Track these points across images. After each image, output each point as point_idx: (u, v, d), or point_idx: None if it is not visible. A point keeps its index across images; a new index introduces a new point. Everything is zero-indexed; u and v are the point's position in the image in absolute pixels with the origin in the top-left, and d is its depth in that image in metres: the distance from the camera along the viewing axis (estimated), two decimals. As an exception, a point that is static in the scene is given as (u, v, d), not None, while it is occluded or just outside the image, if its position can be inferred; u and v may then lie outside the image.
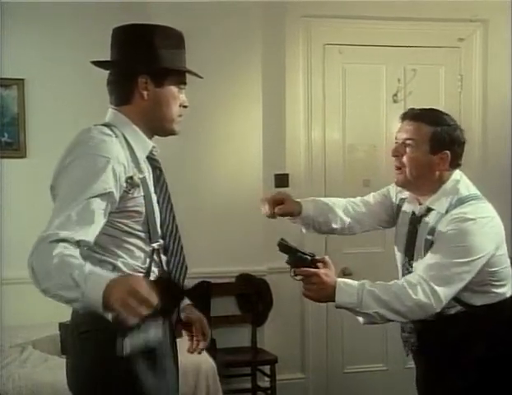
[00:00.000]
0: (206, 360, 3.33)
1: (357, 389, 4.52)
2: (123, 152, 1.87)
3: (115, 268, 1.85)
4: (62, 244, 1.66)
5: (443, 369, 2.27)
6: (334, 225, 2.48)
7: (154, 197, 1.94)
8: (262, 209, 2.44)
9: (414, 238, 2.29)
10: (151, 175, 1.96)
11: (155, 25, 2.00)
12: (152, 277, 1.92)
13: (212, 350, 3.76)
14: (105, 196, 1.78)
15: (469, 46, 4.65)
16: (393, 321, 2.15)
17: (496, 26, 4.62)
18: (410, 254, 2.32)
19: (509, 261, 2.25)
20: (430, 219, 2.22)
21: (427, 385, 2.38)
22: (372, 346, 4.50)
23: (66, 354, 2.01)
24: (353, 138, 4.57)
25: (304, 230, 2.53)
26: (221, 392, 3.34)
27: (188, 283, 4.26)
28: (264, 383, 4.27)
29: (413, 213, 2.33)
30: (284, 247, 2.16)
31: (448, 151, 2.21)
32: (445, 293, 2.08)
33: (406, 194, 2.39)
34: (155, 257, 1.93)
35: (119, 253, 1.87)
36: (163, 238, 1.96)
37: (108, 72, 2.01)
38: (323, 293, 2.11)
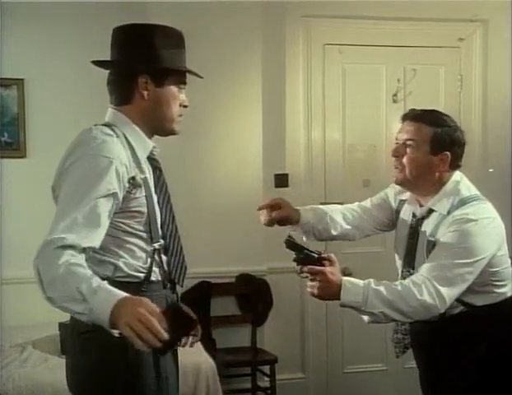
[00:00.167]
0: (206, 360, 3.33)
1: (357, 389, 4.52)
2: (125, 152, 1.86)
3: (117, 268, 1.86)
4: (68, 252, 1.65)
5: (443, 369, 2.27)
6: (334, 232, 2.49)
7: (155, 198, 1.94)
8: (260, 218, 2.44)
9: (415, 240, 2.29)
10: (152, 175, 1.96)
11: (156, 24, 2.00)
12: (153, 277, 1.92)
13: (212, 350, 3.76)
14: (110, 197, 1.78)
15: (469, 46, 4.66)
16: (397, 321, 2.15)
17: (496, 26, 4.62)
18: (410, 258, 2.31)
19: (509, 261, 2.25)
20: (431, 220, 2.22)
21: (428, 385, 2.39)
22: (372, 346, 4.50)
23: (65, 354, 2.00)
24: (353, 138, 4.57)
25: (304, 238, 2.53)
26: (220, 392, 3.34)
27: (188, 283, 4.31)
28: (264, 383, 4.27)
29: (414, 215, 2.33)
30: (291, 244, 2.17)
31: (448, 152, 2.21)
32: (449, 294, 2.08)
33: (406, 195, 2.38)
34: (155, 257, 1.93)
35: (121, 253, 1.87)
36: (163, 238, 1.96)
37: (108, 71, 2.01)
38: (329, 291, 2.10)
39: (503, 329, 2.21)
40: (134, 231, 1.88)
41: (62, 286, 1.60)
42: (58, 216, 1.72)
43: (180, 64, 1.99)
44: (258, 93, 4.30)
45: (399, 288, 2.09)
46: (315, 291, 2.12)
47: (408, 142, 2.23)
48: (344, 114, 4.54)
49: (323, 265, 2.12)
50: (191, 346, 2.10)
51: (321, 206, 2.54)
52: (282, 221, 2.45)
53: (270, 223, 2.44)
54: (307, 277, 2.14)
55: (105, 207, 1.76)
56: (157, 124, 1.98)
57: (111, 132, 1.88)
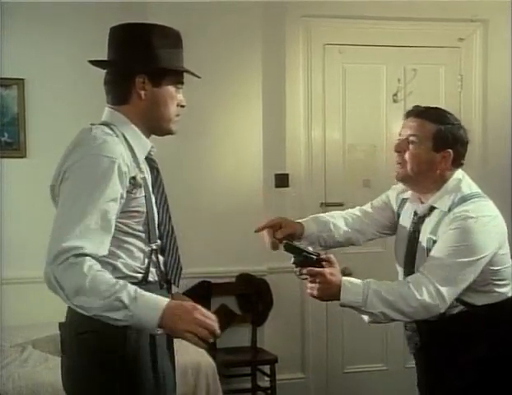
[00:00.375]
0: (206, 360, 3.34)
1: (357, 389, 4.52)
2: (125, 152, 1.86)
3: (115, 269, 1.85)
4: (88, 259, 1.69)
5: (443, 368, 2.26)
6: (339, 239, 2.47)
7: (153, 198, 1.94)
8: (264, 241, 2.41)
9: (417, 239, 2.28)
10: (150, 175, 1.96)
11: (153, 24, 1.99)
12: (151, 278, 1.92)
13: (212, 349, 3.76)
14: (117, 199, 1.79)
15: (469, 46, 4.66)
16: (397, 321, 2.15)
17: (496, 26, 4.62)
18: (411, 258, 2.30)
19: (510, 260, 2.25)
20: (432, 218, 2.22)
21: (427, 385, 2.38)
22: (372, 346, 4.50)
23: (62, 354, 2.00)
24: (353, 138, 4.57)
25: (309, 248, 2.53)
26: (220, 392, 3.34)
27: (188, 283, 4.31)
28: (264, 382, 4.27)
29: (415, 213, 2.32)
30: (289, 247, 2.16)
31: (450, 150, 2.21)
32: (450, 293, 2.07)
33: (408, 194, 2.38)
34: (153, 257, 1.93)
35: (119, 253, 1.86)
36: (160, 238, 1.96)
37: (105, 71, 2.01)
38: (328, 292, 2.10)
39: (503, 329, 2.21)
40: (133, 231, 1.88)
41: (96, 295, 1.66)
42: (68, 220, 1.72)
43: (178, 64, 1.98)
44: (259, 93, 4.30)
45: (399, 288, 2.09)
46: (315, 292, 2.12)
47: (411, 138, 2.22)
48: (344, 114, 4.55)
49: (322, 266, 2.12)
50: None
51: (322, 215, 2.51)
52: (287, 239, 2.35)
53: (275, 246, 2.37)
54: (307, 279, 2.14)
55: (114, 211, 1.78)
56: (155, 124, 1.98)
57: (111, 132, 1.87)
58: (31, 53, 4.20)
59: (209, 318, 1.71)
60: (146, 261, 1.91)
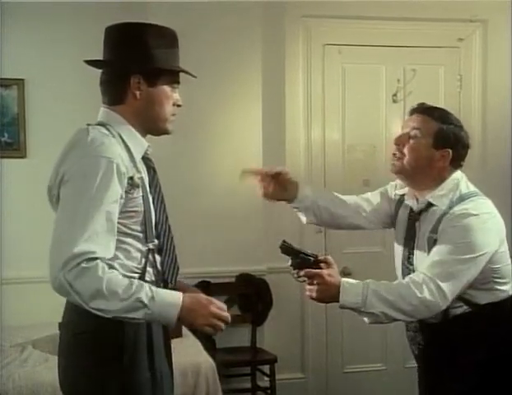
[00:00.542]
0: (205, 360, 3.34)
1: (357, 389, 4.52)
2: (123, 152, 1.86)
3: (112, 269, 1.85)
4: (99, 262, 1.72)
5: (443, 369, 2.25)
6: (335, 214, 2.44)
7: (150, 197, 1.94)
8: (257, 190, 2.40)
9: (413, 235, 2.29)
10: (146, 175, 1.96)
11: (148, 24, 1.99)
12: (147, 277, 1.91)
13: (212, 349, 3.76)
14: (117, 200, 1.80)
15: (469, 46, 4.66)
16: (398, 320, 2.15)
17: (496, 26, 4.62)
18: (409, 255, 2.31)
19: (509, 259, 2.25)
20: (431, 216, 2.22)
21: (427, 385, 2.38)
22: (372, 346, 4.51)
23: (59, 354, 1.99)
24: (353, 138, 4.58)
25: (303, 219, 2.49)
26: (220, 392, 3.34)
27: (188, 283, 4.28)
28: (264, 382, 4.27)
29: (411, 209, 2.32)
30: (286, 249, 2.16)
31: (450, 150, 2.21)
32: (451, 290, 2.07)
33: (405, 190, 2.38)
34: (150, 257, 1.93)
35: (117, 254, 1.85)
36: (157, 238, 1.96)
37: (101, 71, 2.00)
38: (327, 293, 2.10)
39: (504, 329, 2.21)
40: (131, 232, 1.88)
41: (115, 298, 1.71)
42: (74, 224, 1.73)
43: (173, 64, 1.98)
44: (258, 93, 4.30)
45: (399, 287, 2.09)
46: (314, 295, 2.11)
47: (413, 132, 2.23)
48: (344, 114, 4.55)
49: (320, 268, 2.12)
50: None
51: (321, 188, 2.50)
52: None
53: (268, 195, 2.40)
54: (305, 281, 2.13)
55: (116, 212, 1.79)
56: (150, 124, 1.98)
57: (107, 132, 1.87)
58: (31, 53, 4.20)
59: (222, 309, 1.82)
60: (143, 261, 1.91)
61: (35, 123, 4.26)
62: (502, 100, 4.66)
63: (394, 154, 2.26)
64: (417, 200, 2.29)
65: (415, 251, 2.28)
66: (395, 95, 4.55)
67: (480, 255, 2.10)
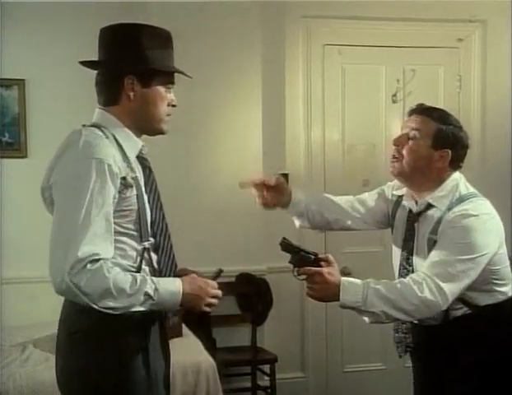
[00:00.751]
0: (206, 360, 3.34)
1: (357, 388, 4.53)
2: (116, 153, 1.87)
3: None
4: (103, 262, 1.76)
5: (443, 371, 2.25)
6: (328, 218, 2.46)
7: (145, 196, 1.94)
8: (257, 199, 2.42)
9: (412, 236, 2.29)
10: (142, 174, 1.97)
11: (143, 24, 1.99)
12: None
13: (212, 349, 3.77)
14: (112, 200, 1.82)
15: (468, 46, 4.66)
16: (399, 320, 2.15)
17: (495, 27, 4.63)
18: (408, 255, 2.31)
19: (508, 261, 2.25)
20: (430, 217, 2.22)
21: (423, 386, 2.38)
22: (371, 345, 4.51)
23: (56, 353, 2.00)
24: (352, 138, 4.58)
25: (297, 223, 2.51)
26: (221, 392, 3.34)
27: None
28: (264, 382, 4.28)
29: (410, 211, 2.33)
30: (286, 246, 2.15)
31: (449, 150, 2.21)
32: (451, 290, 2.07)
33: (403, 191, 2.38)
34: (145, 255, 1.94)
35: None
36: (154, 236, 1.97)
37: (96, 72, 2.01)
38: (327, 292, 2.09)
39: (503, 330, 2.21)
40: (125, 230, 1.89)
41: (123, 295, 1.76)
42: (75, 227, 1.75)
43: (167, 64, 1.98)
44: (258, 93, 4.31)
45: (399, 286, 2.09)
46: (314, 293, 2.12)
47: (412, 133, 2.23)
48: (344, 115, 4.55)
49: (320, 266, 2.11)
50: None
51: (313, 192, 2.51)
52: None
53: (267, 204, 2.43)
54: (304, 279, 2.13)
55: (111, 212, 1.81)
56: (145, 124, 1.98)
57: (101, 134, 1.88)
58: (32, 53, 4.21)
59: (215, 287, 2.04)
60: (138, 259, 1.92)
61: (36, 123, 4.27)
62: (501, 100, 4.66)
63: (394, 155, 2.27)
64: (416, 201, 2.29)
65: (414, 252, 2.28)
66: (395, 95, 4.56)
67: (480, 256, 2.10)
